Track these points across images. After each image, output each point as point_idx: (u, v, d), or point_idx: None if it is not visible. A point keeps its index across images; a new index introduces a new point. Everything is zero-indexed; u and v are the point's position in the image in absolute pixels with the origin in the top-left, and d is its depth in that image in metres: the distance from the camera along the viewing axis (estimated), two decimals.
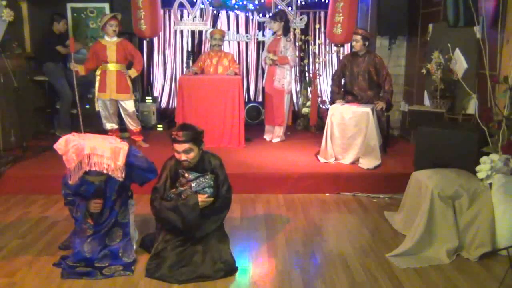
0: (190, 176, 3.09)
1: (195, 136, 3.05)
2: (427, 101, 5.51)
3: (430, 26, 5.59)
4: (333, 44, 7.08)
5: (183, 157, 3.04)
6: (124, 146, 3.05)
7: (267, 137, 6.16)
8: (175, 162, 3.17)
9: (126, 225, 3.18)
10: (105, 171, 2.94)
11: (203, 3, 6.58)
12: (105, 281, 2.92)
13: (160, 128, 6.77)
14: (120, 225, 3.16)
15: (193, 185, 3.07)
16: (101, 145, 2.99)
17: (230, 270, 2.99)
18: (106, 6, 6.87)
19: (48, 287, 2.84)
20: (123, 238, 3.15)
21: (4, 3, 5.29)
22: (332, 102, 5.45)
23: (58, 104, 6.24)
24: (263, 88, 6.65)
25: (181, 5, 6.63)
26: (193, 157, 3.06)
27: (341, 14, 5.97)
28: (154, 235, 3.27)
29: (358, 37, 5.13)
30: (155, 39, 7.32)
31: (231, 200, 3.26)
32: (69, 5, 6.88)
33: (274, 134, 6.08)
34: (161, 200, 3.11)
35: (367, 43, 5.20)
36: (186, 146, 3.02)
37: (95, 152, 2.94)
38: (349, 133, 4.91)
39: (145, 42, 7.12)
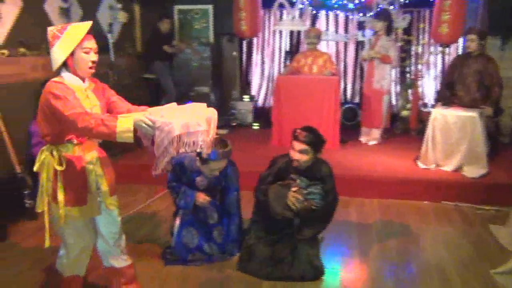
0: (301, 184, 3.09)
1: (316, 142, 3.04)
2: None
3: None
4: (438, 44, 6.73)
5: (296, 156, 3.04)
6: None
7: (363, 139, 6.02)
8: (286, 163, 3.16)
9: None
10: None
11: (302, 3, 6.59)
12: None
13: (256, 126, 6.89)
14: None
15: (304, 192, 3.06)
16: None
17: (318, 275, 2.98)
18: (210, 7, 7.17)
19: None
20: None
21: (119, 6, 5.74)
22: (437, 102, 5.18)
23: (163, 101, 6.62)
24: (360, 89, 6.51)
25: (281, 6, 6.72)
26: (305, 160, 3.05)
27: (448, 13, 5.66)
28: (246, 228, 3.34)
29: (474, 37, 4.82)
30: (254, 39, 7.48)
31: (335, 209, 3.19)
32: (176, 7, 7.29)
33: (371, 136, 5.92)
34: (264, 190, 3.12)
35: (483, 42, 4.87)
36: (303, 147, 3.01)
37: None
38: (453, 139, 4.63)
39: (244, 42, 7.31)
